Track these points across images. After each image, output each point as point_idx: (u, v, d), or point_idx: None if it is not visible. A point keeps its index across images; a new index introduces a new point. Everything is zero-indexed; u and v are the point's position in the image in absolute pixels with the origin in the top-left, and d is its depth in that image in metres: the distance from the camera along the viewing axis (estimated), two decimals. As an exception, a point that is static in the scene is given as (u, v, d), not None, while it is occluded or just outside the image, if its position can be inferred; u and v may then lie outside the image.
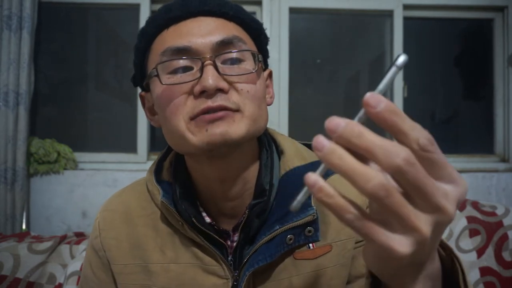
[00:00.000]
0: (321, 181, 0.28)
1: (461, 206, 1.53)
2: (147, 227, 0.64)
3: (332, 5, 2.11)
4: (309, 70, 2.23)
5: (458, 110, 2.27)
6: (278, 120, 2.05)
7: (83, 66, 2.15)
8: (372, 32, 2.22)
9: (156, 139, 2.10)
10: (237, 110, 0.55)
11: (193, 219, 0.59)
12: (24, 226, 1.90)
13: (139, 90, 0.67)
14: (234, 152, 0.57)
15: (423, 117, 2.24)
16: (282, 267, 0.60)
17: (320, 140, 0.28)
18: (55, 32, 2.10)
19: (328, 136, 0.28)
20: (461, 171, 2.03)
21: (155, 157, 0.71)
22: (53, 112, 2.12)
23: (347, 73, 2.25)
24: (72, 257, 1.40)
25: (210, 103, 0.53)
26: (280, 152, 0.66)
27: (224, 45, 0.56)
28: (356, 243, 0.63)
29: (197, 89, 0.54)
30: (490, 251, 1.45)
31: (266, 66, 0.65)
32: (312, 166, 0.63)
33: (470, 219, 1.49)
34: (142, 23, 0.63)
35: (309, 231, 0.58)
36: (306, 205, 0.58)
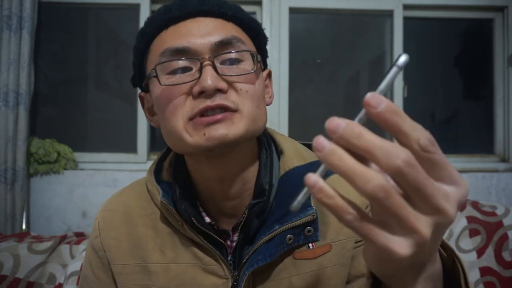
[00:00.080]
0: (321, 182, 0.28)
1: (461, 206, 1.53)
2: (147, 227, 0.65)
3: (332, 5, 2.11)
4: (309, 70, 2.23)
5: (458, 110, 2.27)
6: (278, 120, 2.05)
7: (83, 66, 2.15)
8: (372, 32, 2.22)
9: (156, 139, 2.10)
10: (236, 110, 0.55)
11: (192, 219, 0.59)
12: (24, 226, 1.90)
13: (139, 90, 0.67)
14: (233, 152, 0.57)
15: (423, 117, 2.24)
16: (281, 267, 0.60)
17: (320, 140, 0.28)
18: (55, 32, 2.10)
19: (329, 136, 0.28)
20: (461, 171, 2.03)
21: (155, 157, 0.71)
22: (53, 112, 2.12)
23: (347, 73, 2.25)
24: (72, 257, 1.40)
25: (209, 102, 0.53)
26: (279, 152, 0.66)
27: (223, 45, 0.56)
28: (355, 243, 0.63)
29: (196, 89, 0.54)
30: (490, 251, 1.45)
31: (265, 66, 0.65)
32: (312, 166, 0.63)
33: (470, 219, 1.49)
34: (142, 23, 0.63)
35: (309, 231, 0.58)
36: (305, 205, 0.58)
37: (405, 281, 0.34)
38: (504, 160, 2.16)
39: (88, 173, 1.96)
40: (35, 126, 2.04)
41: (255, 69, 0.57)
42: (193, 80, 0.55)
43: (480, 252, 1.46)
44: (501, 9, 2.17)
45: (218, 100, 0.54)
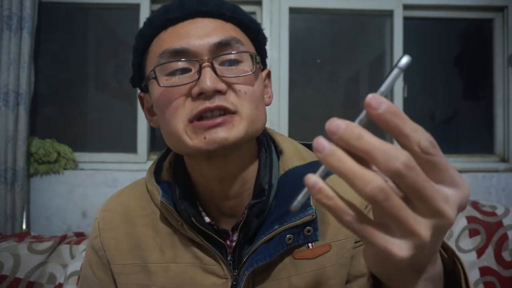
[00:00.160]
0: (321, 183, 0.28)
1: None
2: (146, 227, 0.65)
3: (332, 5, 2.11)
4: (309, 70, 2.23)
5: (458, 110, 2.27)
6: (278, 120, 2.05)
7: (83, 66, 2.15)
8: (372, 32, 2.22)
9: (156, 139, 2.10)
10: (235, 112, 0.55)
11: (192, 219, 0.59)
12: (24, 226, 1.90)
13: (138, 90, 0.67)
14: (233, 153, 0.57)
15: (423, 117, 2.24)
16: (281, 266, 0.60)
17: (320, 141, 0.28)
18: (55, 32, 2.10)
19: (329, 137, 0.28)
20: (461, 171, 2.03)
21: (155, 157, 0.71)
22: (53, 112, 2.12)
23: (347, 73, 2.25)
24: (72, 257, 1.40)
25: (208, 104, 0.54)
26: (279, 152, 0.66)
27: (221, 46, 0.56)
28: (355, 242, 0.64)
29: (195, 91, 0.54)
30: (490, 251, 1.45)
31: (264, 66, 0.65)
32: (311, 166, 0.63)
33: (470, 219, 1.49)
34: (142, 23, 0.63)
35: (308, 231, 0.59)
36: (305, 204, 0.58)
37: (405, 282, 0.34)
38: (504, 160, 2.16)
39: (88, 173, 1.96)
40: (35, 126, 2.04)
41: (254, 70, 0.57)
42: (192, 82, 0.55)
43: (480, 252, 1.46)
44: (501, 9, 2.17)
45: (217, 101, 0.54)
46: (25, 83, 1.82)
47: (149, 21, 0.60)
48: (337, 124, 0.27)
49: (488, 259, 1.45)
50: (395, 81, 0.29)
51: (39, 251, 1.39)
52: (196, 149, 0.55)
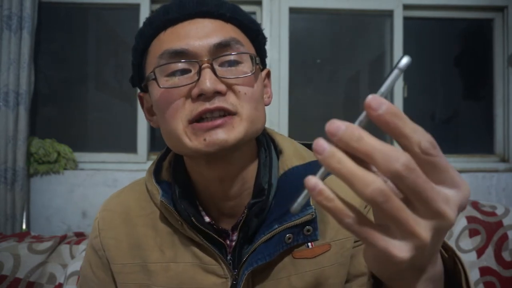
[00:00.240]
0: (321, 184, 0.28)
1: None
2: (146, 226, 0.65)
3: (332, 5, 2.11)
4: (309, 70, 2.23)
5: (458, 110, 2.27)
6: (278, 120, 2.05)
7: (83, 66, 2.15)
8: (372, 32, 2.22)
9: (156, 139, 2.10)
10: (235, 113, 0.55)
11: (192, 218, 0.59)
12: (24, 226, 1.90)
13: (138, 90, 0.67)
14: (232, 154, 0.58)
15: (423, 117, 2.24)
16: (281, 266, 0.60)
17: (320, 143, 0.28)
18: (55, 32, 2.10)
19: (329, 138, 0.28)
20: (461, 171, 2.03)
21: (155, 157, 0.71)
22: (53, 112, 2.12)
23: (347, 73, 2.25)
24: (72, 257, 1.40)
25: (208, 105, 0.54)
26: (278, 152, 0.66)
27: (221, 47, 0.56)
28: (354, 242, 0.64)
29: (195, 92, 0.54)
30: (490, 251, 1.45)
31: (264, 66, 0.65)
32: (311, 166, 0.63)
33: (470, 219, 1.49)
34: (142, 23, 0.63)
35: (308, 230, 0.59)
36: (305, 204, 0.58)
37: (405, 283, 0.34)
38: (504, 160, 2.16)
39: (88, 173, 1.96)
40: (35, 126, 2.04)
41: (253, 71, 0.57)
42: (192, 83, 0.55)
43: (480, 252, 1.46)
44: (501, 9, 2.17)
45: (217, 102, 0.54)
46: (25, 83, 1.82)
47: (148, 21, 0.60)
48: (337, 125, 0.27)
49: (488, 259, 1.45)
50: (395, 82, 0.29)
51: (39, 251, 1.39)
52: (196, 151, 0.55)
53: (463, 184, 0.30)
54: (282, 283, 0.60)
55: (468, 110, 2.28)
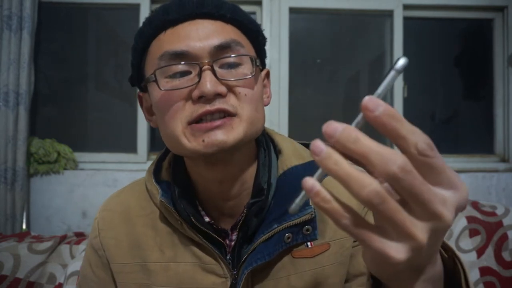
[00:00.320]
0: (318, 186, 0.28)
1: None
2: (146, 226, 0.65)
3: (332, 5, 2.11)
4: (309, 70, 2.23)
5: (458, 110, 2.27)
6: (278, 120, 2.05)
7: (83, 66, 2.15)
8: (372, 32, 2.22)
9: (156, 139, 2.10)
10: (235, 114, 0.55)
11: (191, 218, 0.59)
12: (24, 226, 1.90)
13: (137, 89, 0.67)
14: (232, 156, 0.58)
15: (423, 117, 2.24)
16: (280, 265, 0.60)
17: (317, 144, 0.28)
18: (55, 32, 2.10)
19: (327, 140, 0.28)
20: (461, 171, 2.03)
21: (155, 157, 0.71)
22: (53, 112, 2.12)
23: (347, 73, 2.25)
24: (72, 257, 1.40)
25: (208, 107, 0.54)
26: (278, 152, 0.66)
27: (222, 49, 0.56)
28: (354, 241, 0.64)
29: (196, 94, 0.54)
30: (490, 251, 1.45)
31: (263, 66, 0.65)
32: (310, 166, 0.63)
33: (470, 219, 1.49)
34: (142, 23, 0.62)
35: (307, 230, 0.59)
36: (303, 204, 0.58)
37: (404, 283, 0.34)
38: (504, 160, 2.16)
39: (88, 173, 1.96)
40: (35, 126, 2.04)
41: (254, 73, 0.57)
42: (192, 85, 0.55)
43: (480, 252, 1.46)
44: (501, 9, 2.17)
45: (217, 104, 0.54)
46: (25, 83, 1.82)
47: (148, 21, 0.60)
48: (334, 127, 0.27)
49: (488, 259, 1.45)
50: (392, 83, 0.29)
51: (39, 251, 1.39)
52: (195, 152, 0.55)
53: (461, 185, 0.30)
54: (281, 283, 0.60)
55: (468, 110, 2.28)
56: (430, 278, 0.34)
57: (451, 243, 1.47)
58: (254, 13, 2.11)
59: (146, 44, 0.60)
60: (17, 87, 1.82)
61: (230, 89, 0.56)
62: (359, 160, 0.27)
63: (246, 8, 2.03)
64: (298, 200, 0.31)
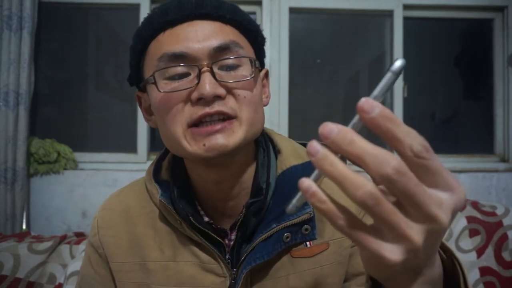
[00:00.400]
0: (314, 187, 0.28)
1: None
2: (146, 226, 0.65)
3: (332, 5, 2.11)
4: (309, 70, 2.23)
5: (458, 110, 2.27)
6: (278, 120, 2.05)
7: (83, 66, 2.15)
8: (372, 32, 2.22)
9: (156, 139, 2.10)
10: (235, 116, 0.55)
11: (190, 217, 0.59)
12: (24, 226, 1.90)
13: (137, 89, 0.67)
14: (232, 159, 0.58)
15: (423, 117, 2.24)
16: (279, 265, 0.60)
17: (314, 145, 0.28)
18: (55, 32, 2.10)
19: (323, 141, 0.28)
20: (461, 171, 2.03)
21: (155, 157, 0.71)
22: (53, 112, 2.12)
23: (347, 73, 2.25)
24: (72, 257, 1.40)
25: (208, 109, 0.54)
26: (277, 152, 0.66)
27: (221, 50, 0.56)
28: None
29: (195, 96, 0.54)
30: (490, 251, 1.45)
31: (262, 66, 0.65)
32: (309, 165, 0.63)
33: (470, 219, 1.49)
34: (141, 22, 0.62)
35: (306, 229, 0.59)
36: (300, 205, 0.58)
37: (402, 285, 0.34)
38: (504, 160, 2.16)
39: (88, 173, 1.96)
40: (35, 126, 2.04)
41: (253, 75, 0.57)
42: (191, 87, 0.55)
43: (480, 252, 1.45)
44: (501, 9, 2.17)
45: (217, 106, 0.54)
46: (25, 83, 1.82)
47: (147, 22, 0.59)
48: (330, 128, 0.28)
49: (488, 259, 1.45)
50: (389, 85, 0.29)
51: (39, 251, 1.39)
52: (196, 156, 0.55)
53: (458, 187, 0.30)
54: (280, 282, 0.60)
55: (468, 110, 2.28)
56: (429, 280, 0.34)
57: (451, 243, 1.47)
58: (254, 13, 2.11)
59: (144, 44, 0.60)
60: (17, 87, 1.83)
61: (229, 91, 0.56)
62: (354, 161, 0.28)
63: (246, 8, 2.03)
64: (295, 201, 0.31)
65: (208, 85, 0.53)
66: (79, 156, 2.01)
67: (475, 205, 1.54)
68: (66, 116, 2.12)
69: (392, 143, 0.28)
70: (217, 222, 0.64)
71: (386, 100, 2.14)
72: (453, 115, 2.28)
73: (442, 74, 2.29)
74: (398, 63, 0.28)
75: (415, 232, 0.28)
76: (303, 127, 2.11)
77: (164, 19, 0.57)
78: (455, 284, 0.39)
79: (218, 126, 0.54)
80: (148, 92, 0.61)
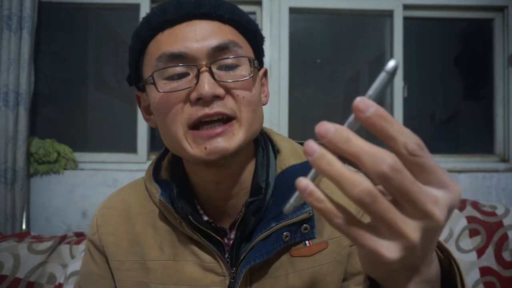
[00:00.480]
0: (311, 186, 0.29)
1: (461, 206, 1.53)
2: (146, 225, 0.65)
3: (332, 5, 2.11)
4: (309, 70, 2.23)
5: (458, 110, 2.27)
6: (278, 120, 2.05)
7: (83, 66, 2.15)
8: (372, 32, 2.22)
9: (156, 139, 2.10)
10: (234, 117, 0.55)
11: (189, 216, 0.59)
12: (24, 226, 1.90)
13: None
14: (232, 160, 0.58)
15: (423, 117, 2.24)
16: (278, 264, 0.61)
17: (310, 145, 0.28)
18: (55, 32, 2.10)
19: (320, 140, 0.29)
20: (461, 171, 2.03)
21: (155, 157, 0.71)
22: (53, 112, 2.12)
23: (347, 73, 2.25)
24: (72, 257, 1.40)
25: (207, 110, 0.54)
26: (276, 151, 0.66)
27: (219, 50, 0.56)
28: None
29: (194, 96, 0.54)
30: (490, 251, 1.45)
31: (261, 65, 0.65)
32: (308, 165, 0.63)
33: (470, 219, 1.49)
34: (140, 22, 0.62)
35: (305, 229, 0.59)
36: (297, 205, 0.58)
37: (400, 284, 0.34)
38: (504, 160, 2.16)
39: (88, 173, 1.96)
40: (35, 126, 2.04)
41: (252, 74, 0.57)
42: (190, 87, 0.55)
43: (480, 252, 1.45)
44: (501, 9, 2.17)
45: (216, 107, 0.54)
46: (25, 83, 1.82)
47: (145, 21, 0.59)
48: (326, 127, 0.28)
49: (488, 259, 1.45)
50: (383, 84, 0.29)
51: (39, 251, 1.39)
52: (197, 158, 0.56)
53: (453, 185, 0.30)
54: (279, 281, 0.60)
55: (468, 110, 2.28)
56: (427, 279, 0.34)
57: (451, 243, 1.47)
58: (254, 13, 2.11)
59: (143, 44, 0.60)
60: (17, 87, 1.83)
61: (228, 91, 0.56)
62: (351, 160, 0.28)
63: (246, 8, 2.03)
64: (292, 201, 0.31)
65: (207, 85, 0.53)
66: (79, 156, 2.01)
67: (475, 205, 1.54)
68: (66, 116, 2.12)
69: (387, 142, 0.28)
70: (216, 221, 0.64)
71: (386, 100, 2.14)
72: (453, 115, 2.28)
73: (442, 74, 2.29)
74: (392, 64, 0.29)
75: (412, 229, 0.28)
76: (303, 127, 2.10)
77: (163, 19, 0.57)
78: (453, 284, 0.39)
79: (219, 129, 0.54)
80: (147, 92, 0.61)
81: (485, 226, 1.47)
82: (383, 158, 0.27)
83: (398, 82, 2.09)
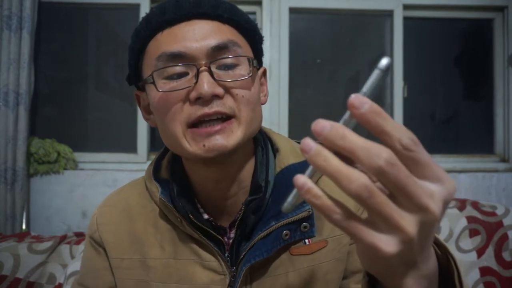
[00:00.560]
0: (309, 183, 0.29)
1: (461, 206, 1.53)
2: (147, 223, 0.65)
3: (332, 5, 2.11)
4: (309, 70, 2.23)
5: (458, 110, 2.27)
6: (278, 120, 2.05)
7: (83, 66, 2.15)
8: (372, 32, 2.22)
9: (156, 139, 2.10)
10: (233, 116, 0.56)
11: (190, 215, 0.60)
12: (24, 226, 1.90)
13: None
14: (230, 158, 0.58)
15: (423, 117, 2.24)
16: (278, 262, 0.61)
17: (307, 142, 0.29)
18: (55, 32, 2.10)
19: (316, 137, 0.29)
20: (461, 171, 2.03)
21: (154, 156, 0.71)
22: (53, 112, 2.12)
23: (347, 73, 2.25)
24: (72, 257, 1.40)
25: (206, 109, 0.54)
26: (275, 150, 0.67)
27: (219, 50, 0.56)
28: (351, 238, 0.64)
29: (193, 95, 0.54)
30: (490, 251, 1.45)
31: (260, 65, 0.66)
32: (307, 163, 0.63)
33: (470, 219, 1.49)
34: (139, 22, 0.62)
35: (305, 227, 0.59)
36: (295, 203, 0.58)
37: (398, 279, 0.34)
38: (504, 160, 2.16)
39: (88, 173, 1.97)
40: (35, 126, 2.04)
41: (251, 74, 0.58)
42: (189, 86, 0.55)
43: (480, 252, 1.45)
44: (501, 9, 2.17)
45: (215, 107, 0.54)
46: (25, 83, 1.83)
47: (145, 21, 0.60)
48: (322, 125, 0.28)
49: (488, 259, 1.45)
50: (377, 82, 0.30)
51: (39, 251, 1.39)
52: (195, 156, 0.56)
53: (447, 179, 0.30)
54: (279, 280, 0.61)
55: (468, 110, 2.28)
56: (425, 275, 0.34)
57: (451, 243, 1.47)
58: (254, 13, 2.11)
59: (143, 44, 0.60)
60: (17, 87, 1.83)
61: (228, 90, 0.56)
62: (347, 155, 0.28)
63: (245, 8, 2.03)
64: (290, 198, 0.31)
65: (206, 85, 0.53)
66: (79, 156, 2.01)
67: (475, 205, 1.54)
68: (66, 116, 2.12)
69: (382, 137, 0.29)
70: (216, 220, 0.64)
71: (386, 100, 2.14)
72: (453, 115, 2.28)
73: (442, 74, 2.29)
74: (384, 61, 0.30)
75: (408, 222, 0.29)
76: (303, 127, 2.11)
77: (162, 19, 0.57)
78: (450, 280, 0.39)
79: (217, 127, 0.55)
80: (147, 91, 0.61)
81: (485, 226, 1.47)
82: (378, 153, 0.27)
83: (398, 82, 2.09)
